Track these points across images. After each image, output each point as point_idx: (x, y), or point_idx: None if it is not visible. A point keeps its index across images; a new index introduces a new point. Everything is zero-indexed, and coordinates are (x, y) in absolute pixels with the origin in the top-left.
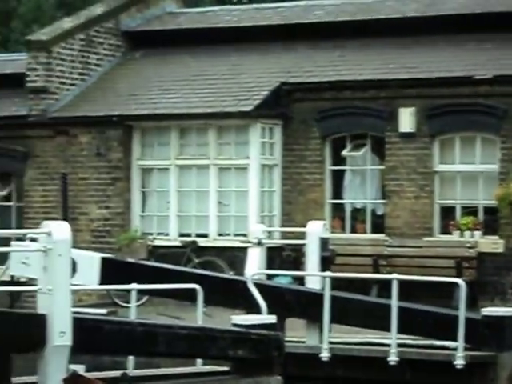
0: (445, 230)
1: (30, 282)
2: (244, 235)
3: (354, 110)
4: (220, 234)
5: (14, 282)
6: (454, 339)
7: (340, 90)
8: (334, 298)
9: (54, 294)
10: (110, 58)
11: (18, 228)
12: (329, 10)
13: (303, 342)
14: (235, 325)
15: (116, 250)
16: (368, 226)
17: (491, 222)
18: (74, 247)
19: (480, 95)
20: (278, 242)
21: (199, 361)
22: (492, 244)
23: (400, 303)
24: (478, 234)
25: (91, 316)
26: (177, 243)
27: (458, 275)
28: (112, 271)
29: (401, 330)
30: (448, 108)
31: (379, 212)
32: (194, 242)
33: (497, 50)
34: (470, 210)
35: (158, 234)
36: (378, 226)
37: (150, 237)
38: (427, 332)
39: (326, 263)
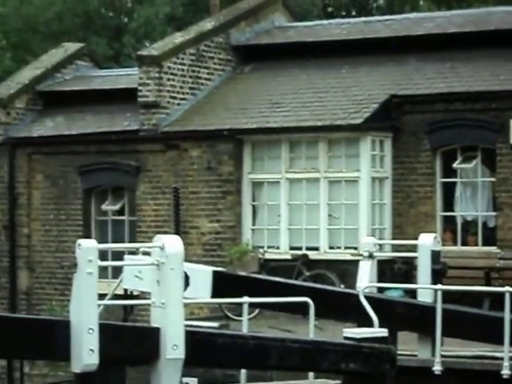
0: None
1: (143, 295)
2: (354, 248)
3: (465, 122)
4: (330, 247)
5: (127, 295)
6: None
7: (450, 102)
8: (445, 311)
9: (167, 307)
10: (220, 72)
11: (130, 242)
12: (438, 23)
13: (415, 356)
14: (347, 338)
15: (227, 264)
16: (479, 238)
17: None
18: (186, 261)
19: None
20: (388, 254)
21: (311, 374)
22: None
23: None
24: None
25: (204, 329)
26: (287, 256)
27: None
28: (223, 284)
29: None
30: None
31: (491, 224)
32: (305, 256)
33: None
34: None
35: (269, 247)
36: (490, 238)
37: (261, 250)
38: None
39: (438, 276)
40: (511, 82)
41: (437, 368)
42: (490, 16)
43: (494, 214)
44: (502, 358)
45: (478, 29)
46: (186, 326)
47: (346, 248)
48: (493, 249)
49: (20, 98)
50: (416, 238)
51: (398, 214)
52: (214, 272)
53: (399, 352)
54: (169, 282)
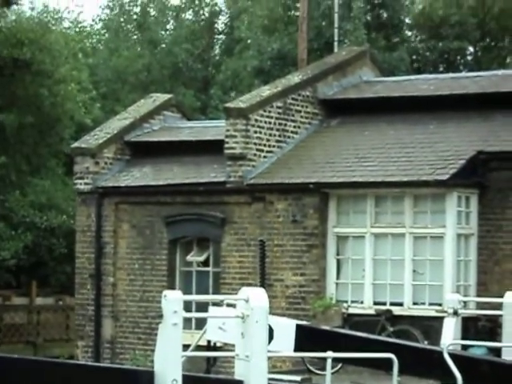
0: None
1: (226, 347)
2: (439, 305)
3: None
4: (415, 303)
5: (210, 346)
6: None
7: None
8: None
9: (251, 360)
10: (307, 125)
11: (214, 293)
12: None
13: None
14: None
15: (311, 317)
16: None
17: None
18: (270, 313)
19: None
20: (473, 312)
21: None
22: None
23: None
24: None
25: (286, 383)
26: (371, 311)
27: None
28: (307, 338)
29: None
30: None
31: None
32: (389, 311)
33: None
34: None
35: (353, 301)
36: None
37: (345, 304)
38: None
39: None
40: None
41: None
42: None
43: None
44: None
45: None
46: (269, 379)
47: (431, 304)
48: None
49: (108, 147)
50: (501, 296)
51: (483, 271)
52: (298, 325)
53: None
54: (253, 334)
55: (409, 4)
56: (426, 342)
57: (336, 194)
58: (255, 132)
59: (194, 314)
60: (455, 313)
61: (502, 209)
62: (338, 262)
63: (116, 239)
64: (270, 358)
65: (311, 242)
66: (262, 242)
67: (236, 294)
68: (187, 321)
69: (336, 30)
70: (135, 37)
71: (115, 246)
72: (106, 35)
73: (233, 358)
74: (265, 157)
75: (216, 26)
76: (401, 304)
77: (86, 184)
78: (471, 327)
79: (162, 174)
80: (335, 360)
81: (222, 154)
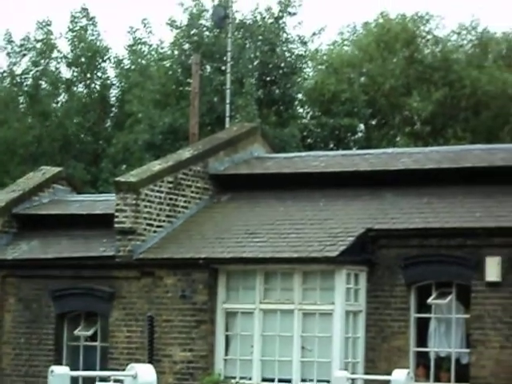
0: None
1: None
2: (327, 381)
3: (440, 258)
4: (303, 380)
5: None
6: None
7: (426, 238)
8: None
9: None
10: (198, 200)
11: (102, 368)
12: (415, 158)
13: None
14: None
15: None
16: (452, 375)
17: None
18: None
19: None
20: None
21: None
22: None
23: None
24: None
25: None
26: None
27: None
28: None
29: None
30: None
31: (464, 361)
32: None
33: None
34: None
35: (241, 377)
36: (463, 375)
37: (233, 381)
38: None
39: None
40: (487, 219)
41: None
42: (467, 153)
43: (467, 350)
44: None
45: (455, 165)
46: None
47: (319, 381)
48: None
49: None
50: (389, 373)
51: (371, 349)
52: None
53: None
54: None
55: (301, 80)
56: None
57: (225, 270)
58: (145, 206)
59: None
60: None
61: (390, 286)
62: (227, 337)
63: (2, 313)
64: None
65: (200, 318)
66: (151, 318)
67: (124, 369)
68: None
69: (228, 106)
70: (26, 108)
71: (1, 320)
72: None
73: None
74: (155, 231)
75: (108, 99)
76: (289, 381)
77: None
78: None
79: (51, 247)
80: None
81: (112, 228)
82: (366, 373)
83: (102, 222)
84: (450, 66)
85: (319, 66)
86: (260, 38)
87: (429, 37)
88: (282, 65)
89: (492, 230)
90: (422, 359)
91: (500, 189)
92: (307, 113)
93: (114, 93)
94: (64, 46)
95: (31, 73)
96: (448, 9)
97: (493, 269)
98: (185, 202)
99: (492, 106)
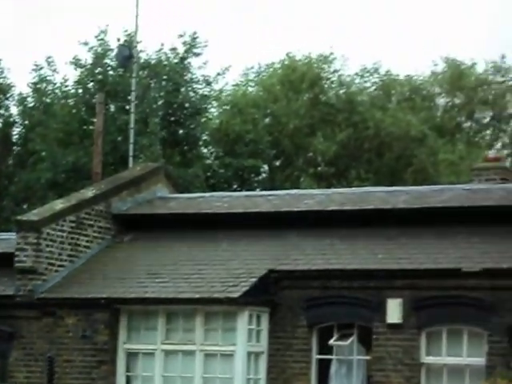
0: None
1: None
2: None
3: (342, 300)
4: None
5: None
6: None
7: (328, 279)
8: None
9: None
10: (100, 240)
11: None
12: (318, 200)
13: None
14: None
15: None
16: None
17: None
18: None
19: (467, 288)
20: None
21: None
22: None
23: None
24: None
25: None
26: None
27: None
28: None
29: None
30: (435, 300)
31: None
32: None
33: (484, 244)
34: None
35: None
36: None
37: None
38: None
39: None
40: (389, 261)
41: None
42: (369, 195)
43: None
44: None
45: (357, 207)
46: None
47: None
48: None
49: None
50: None
51: None
52: None
53: None
54: None
55: (205, 121)
56: None
57: (127, 310)
58: (47, 246)
59: None
60: None
61: (292, 327)
62: (128, 378)
63: None
64: None
65: (101, 358)
66: (50, 358)
67: None
68: None
69: (131, 145)
70: None
71: None
72: None
73: None
74: (56, 271)
75: (10, 137)
76: None
77: None
78: None
79: None
80: None
81: (13, 267)
82: None
83: (2, 261)
84: (354, 107)
85: (224, 107)
86: (165, 77)
87: (333, 78)
88: (187, 105)
89: (393, 272)
90: None
91: (402, 231)
92: (211, 153)
93: (16, 131)
94: None
95: None
96: (351, 51)
97: (394, 311)
98: (87, 241)
99: (395, 148)
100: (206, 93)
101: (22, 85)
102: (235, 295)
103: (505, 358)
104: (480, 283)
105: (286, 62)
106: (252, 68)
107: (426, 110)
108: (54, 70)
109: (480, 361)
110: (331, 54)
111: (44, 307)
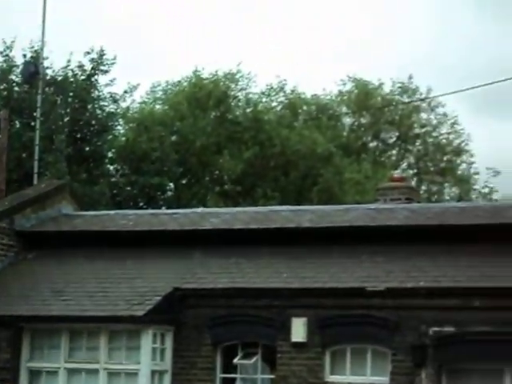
0: None
1: None
2: None
3: (247, 318)
4: None
5: None
6: None
7: (233, 298)
8: None
9: None
10: (3, 257)
11: None
12: (224, 218)
13: None
14: None
15: None
16: None
17: None
18: None
19: (372, 307)
20: None
21: None
22: None
23: None
24: None
25: None
26: None
27: None
28: None
29: None
30: (340, 319)
31: None
32: None
33: (388, 263)
34: None
35: None
36: None
37: None
38: None
39: None
40: (294, 280)
41: None
42: (275, 214)
43: None
44: None
45: (263, 226)
46: None
47: None
48: None
49: None
50: None
51: None
52: None
53: None
54: None
55: (111, 138)
56: None
57: (30, 328)
58: None
59: None
60: None
61: (197, 346)
62: None
63: None
64: None
65: (3, 377)
66: None
67: None
68: None
69: (36, 162)
70: None
71: None
72: None
73: None
74: None
75: None
76: None
77: None
78: None
79: None
80: None
81: None
82: None
83: None
84: (261, 125)
85: (130, 124)
86: (71, 94)
87: (240, 96)
88: (93, 122)
89: (298, 291)
90: None
91: (307, 250)
92: (117, 170)
93: None
94: None
95: None
96: (258, 69)
97: (298, 329)
98: None
99: (301, 167)
100: (112, 110)
101: None
102: (139, 313)
103: (408, 377)
104: (384, 302)
105: (193, 80)
106: (159, 85)
107: (333, 129)
108: None
109: (384, 380)
110: (238, 71)
111: None
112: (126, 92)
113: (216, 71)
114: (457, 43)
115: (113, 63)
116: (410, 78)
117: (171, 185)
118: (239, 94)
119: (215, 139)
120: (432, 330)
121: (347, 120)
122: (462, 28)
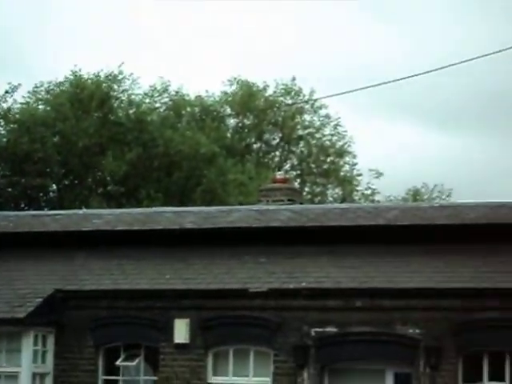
0: None
1: None
2: None
3: (129, 320)
4: None
5: None
6: None
7: (115, 299)
8: None
9: None
10: None
11: None
12: (107, 219)
13: None
14: None
15: None
16: None
17: None
18: None
19: (255, 308)
20: None
21: None
22: None
23: None
24: None
25: None
26: None
27: None
28: None
29: None
30: (223, 320)
31: None
32: None
33: (271, 264)
34: None
35: None
36: None
37: None
38: None
39: None
40: (176, 281)
41: None
42: (158, 216)
43: None
44: None
45: (146, 227)
46: None
47: None
48: None
49: None
50: None
51: None
52: None
53: None
54: None
55: None
56: None
57: None
58: None
59: None
60: None
61: (79, 348)
62: None
63: None
64: None
65: None
66: None
67: None
68: None
69: None
70: None
71: None
72: None
73: None
74: None
75: None
76: None
77: None
78: None
79: None
80: None
81: None
82: None
83: None
84: (144, 126)
85: (11, 125)
86: None
87: (123, 97)
88: None
89: (181, 292)
90: None
91: (189, 251)
92: None
93: None
94: None
95: None
96: (140, 70)
97: (181, 331)
98: None
99: (185, 167)
100: None
101: None
102: (21, 315)
103: (290, 378)
104: (266, 303)
105: (74, 81)
106: (41, 86)
107: (216, 131)
108: None
109: (266, 381)
110: (120, 73)
111: None
112: (7, 92)
113: (98, 72)
114: (339, 44)
115: None
116: (293, 79)
117: (54, 186)
118: (121, 95)
119: (98, 140)
120: (314, 331)
121: (231, 121)
122: (345, 30)
